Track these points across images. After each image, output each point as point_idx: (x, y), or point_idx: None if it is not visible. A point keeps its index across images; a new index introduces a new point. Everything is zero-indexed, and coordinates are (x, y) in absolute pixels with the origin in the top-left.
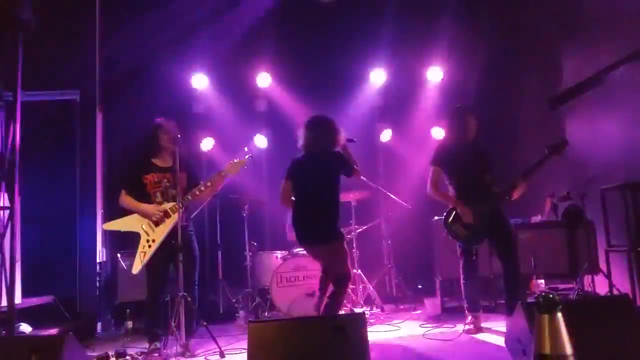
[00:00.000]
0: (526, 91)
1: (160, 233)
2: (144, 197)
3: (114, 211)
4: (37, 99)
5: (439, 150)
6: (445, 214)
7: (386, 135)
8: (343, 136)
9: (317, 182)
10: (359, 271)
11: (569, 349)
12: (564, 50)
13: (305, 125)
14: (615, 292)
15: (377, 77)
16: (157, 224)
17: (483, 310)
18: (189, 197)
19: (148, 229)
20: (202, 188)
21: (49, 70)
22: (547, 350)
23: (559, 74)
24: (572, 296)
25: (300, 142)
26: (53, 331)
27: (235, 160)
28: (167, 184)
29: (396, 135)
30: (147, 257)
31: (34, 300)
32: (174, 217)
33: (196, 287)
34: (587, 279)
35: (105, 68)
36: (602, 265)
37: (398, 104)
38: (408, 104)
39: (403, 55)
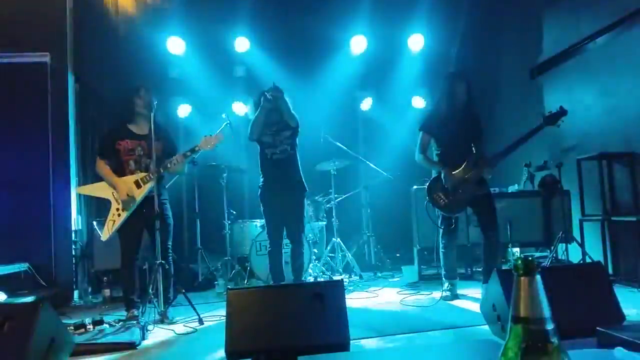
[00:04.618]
0: (506, 60)
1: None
2: (118, 164)
3: (90, 177)
4: (5, 61)
5: (429, 115)
6: (429, 181)
7: (366, 104)
8: None
9: None
10: (338, 239)
11: (546, 312)
12: (545, 19)
13: None
14: (588, 260)
15: (358, 44)
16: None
17: (459, 277)
18: (162, 169)
19: (118, 198)
20: (179, 160)
21: (18, 32)
22: (524, 313)
23: (539, 43)
24: (546, 264)
25: None
26: (28, 299)
27: (210, 135)
28: (142, 152)
29: (376, 104)
30: (117, 226)
31: (8, 268)
32: (145, 189)
33: (170, 254)
34: (560, 247)
35: (77, 30)
36: (576, 234)
37: (378, 72)
38: (388, 72)
39: (384, 22)
